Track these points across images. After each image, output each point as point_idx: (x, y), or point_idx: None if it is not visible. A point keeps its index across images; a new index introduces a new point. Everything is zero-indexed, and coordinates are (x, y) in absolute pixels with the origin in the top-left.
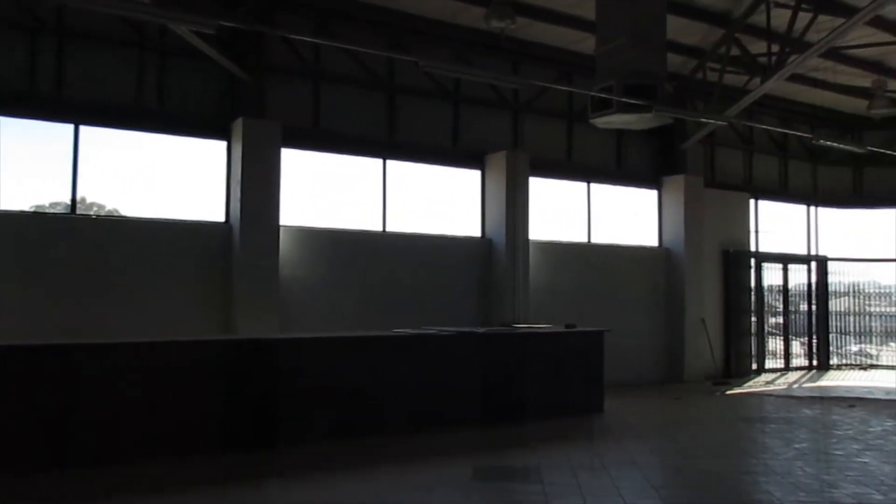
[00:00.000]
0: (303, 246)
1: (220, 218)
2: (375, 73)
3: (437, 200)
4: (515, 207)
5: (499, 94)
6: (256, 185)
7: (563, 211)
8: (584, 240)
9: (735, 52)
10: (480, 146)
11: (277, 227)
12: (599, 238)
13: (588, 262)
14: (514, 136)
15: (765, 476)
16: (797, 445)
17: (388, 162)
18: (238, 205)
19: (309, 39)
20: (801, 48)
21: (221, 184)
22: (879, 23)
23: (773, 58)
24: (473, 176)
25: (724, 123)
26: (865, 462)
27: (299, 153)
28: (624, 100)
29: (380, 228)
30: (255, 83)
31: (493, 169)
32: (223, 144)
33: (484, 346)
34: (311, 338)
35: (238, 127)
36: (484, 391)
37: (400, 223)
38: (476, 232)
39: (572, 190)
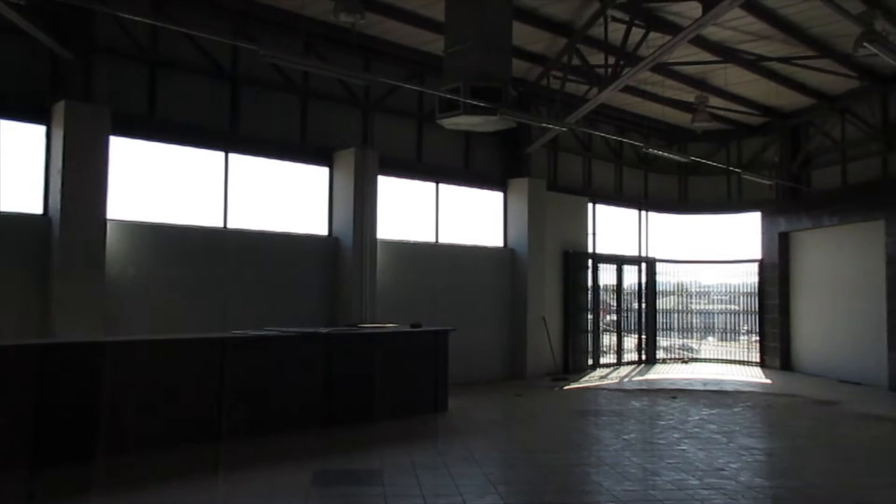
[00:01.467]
0: (134, 242)
1: (38, 210)
2: (218, 62)
3: (283, 197)
4: (364, 206)
5: (349, 91)
6: (80, 175)
7: (412, 211)
8: (433, 240)
9: (576, 61)
10: (329, 143)
11: (104, 220)
12: (447, 238)
13: (436, 261)
14: (363, 134)
15: (595, 467)
16: (626, 436)
17: (231, 155)
18: (58, 196)
19: (144, 21)
20: (634, 62)
21: (40, 172)
22: (703, 43)
23: (610, 69)
24: (321, 173)
25: (566, 129)
26: (684, 450)
27: (133, 142)
28: (470, 101)
29: (221, 224)
30: (81, 64)
31: (342, 166)
32: (42, 129)
33: (328, 347)
34: (135, 341)
35: (60, 110)
36: (328, 393)
37: (243, 220)
38: (323, 230)
39: (421, 190)
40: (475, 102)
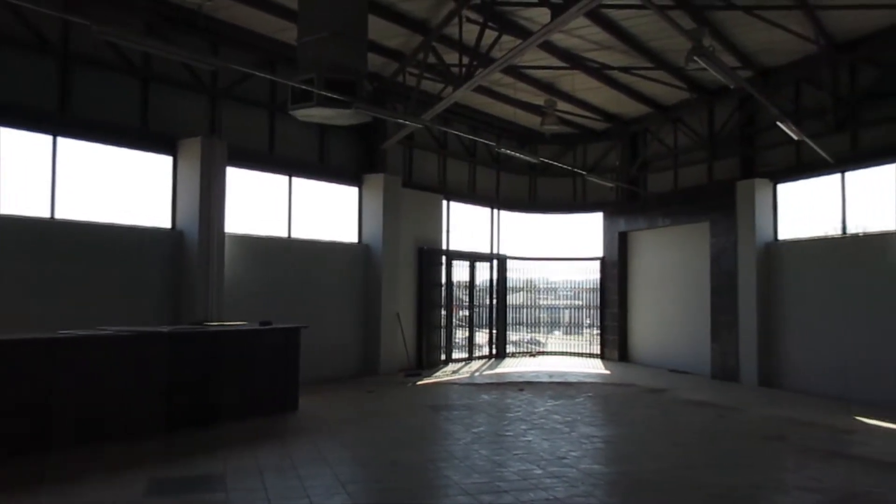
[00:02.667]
0: None
1: None
2: (45, 36)
3: (122, 187)
4: (211, 198)
5: (195, 77)
6: None
7: (263, 204)
8: (285, 234)
9: (432, 59)
10: (173, 130)
11: None
12: (301, 233)
13: (289, 257)
14: (211, 123)
15: (446, 462)
16: (475, 430)
17: (60, 139)
18: None
19: None
20: (487, 63)
21: None
22: (552, 49)
23: (464, 69)
24: (164, 162)
25: (421, 126)
26: (530, 441)
27: None
28: (324, 93)
29: (48, 215)
30: None
31: (187, 156)
32: None
33: (169, 347)
34: None
35: None
36: (170, 396)
37: (75, 210)
38: (167, 223)
39: (274, 183)
40: (329, 95)
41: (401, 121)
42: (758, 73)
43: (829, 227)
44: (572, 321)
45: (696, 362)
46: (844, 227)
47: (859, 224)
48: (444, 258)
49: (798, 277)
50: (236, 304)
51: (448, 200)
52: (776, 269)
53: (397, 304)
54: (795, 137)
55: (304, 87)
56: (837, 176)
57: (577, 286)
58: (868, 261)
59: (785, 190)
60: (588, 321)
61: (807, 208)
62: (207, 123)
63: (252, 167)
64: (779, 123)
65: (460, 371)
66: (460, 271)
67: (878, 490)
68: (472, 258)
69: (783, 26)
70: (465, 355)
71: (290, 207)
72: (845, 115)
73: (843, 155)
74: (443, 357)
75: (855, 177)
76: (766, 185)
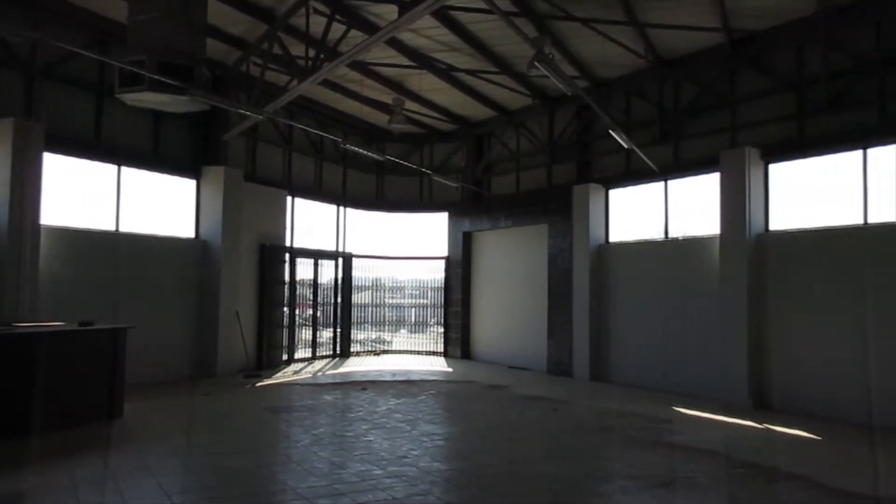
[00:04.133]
0: None
1: None
2: None
3: None
4: (24, 186)
5: (8, 51)
6: None
7: (89, 196)
8: (113, 228)
9: (277, 50)
10: None
11: None
12: (131, 227)
13: (117, 252)
14: (26, 103)
15: (282, 466)
16: (315, 431)
17: None
18: None
19: None
20: (334, 57)
21: None
22: (401, 47)
23: (311, 62)
24: None
25: (264, 118)
26: (371, 440)
27: None
28: (157, 77)
29: None
30: None
31: None
32: None
33: None
34: None
35: None
36: None
37: None
38: None
39: (101, 172)
40: (162, 79)
41: (243, 111)
42: (594, 83)
43: (654, 231)
44: (418, 320)
45: (534, 359)
46: (667, 231)
47: (680, 228)
48: (287, 255)
49: (626, 278)
50: (56, 303)
51: (293, 196)
52: (607, 270)
53: (237, 302)
54: (626, 146)
55: (133, 69)
56: (662, 184)
57: (423, 285)
58: (687, 263)
59: (616, 195)
60: (434, 320)
61: (635, 213)
62: (22, 104)
63: (75, 154)
64: (611, 132)
65: (303, 371)
66: (305, 269)
67: (692, 475)
68: (318, 256)
69: (617, 41)
70: (308, 355)
71: (119, 199)
72: (669, 128)
73: (666, 164)
74: (285, 357)
75: (677, 185)
76: (600, 191)
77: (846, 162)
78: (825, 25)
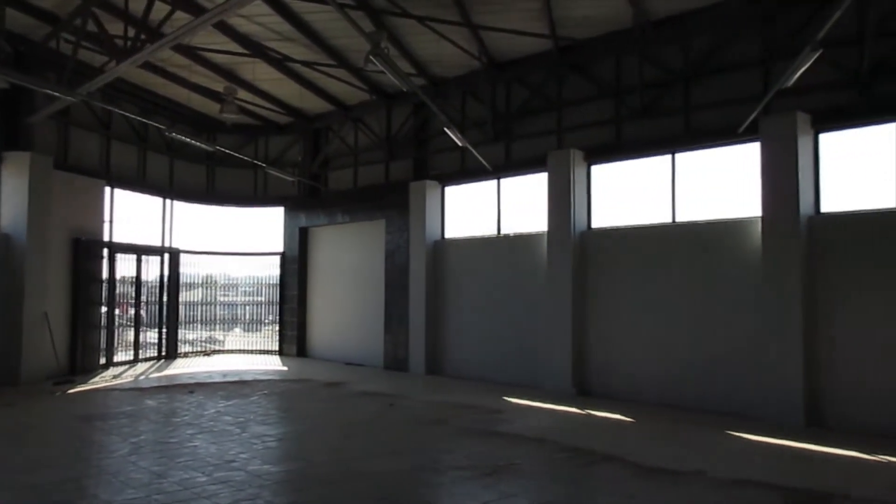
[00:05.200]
0: None
1: None
2: None
3: None
4: None
5: None
6: None
7: None
8: None
9: (92, 27)
10: None
11: None
12: None
13: None
14: None
15: (94, 479)
16: (134, 440)
17: None
18: None
19: None
20: (157, 38)
21: None
22: (232, 33)
23: (130, 42)
24: None
25: (77, 101)
26: (196, 446)
27: None
28: None
29: None
30: None
31: None
32: None
33: None
34: None
35: None
36: None
37: None
38: None
39: None
40: None
41: (51, 92)
42: (431, 82)
43: (487, 228)
44: (253, 318)
45: (371, 355)
46: (500, 228)
47: (512, 225)
48: (105, 251)
49: (461, 273)
50: None
51: (112, 187)
52: (443, 266)
53: (45, 302)
54: (460, 144)
55: None
56: (495, 181)
57: (258, 282)
58: (518, 258)
59: (452, 192)
60: (270, 317)
61: (470, 210)
62: None
63: None
64: (446, 130)
65: (123, 375)
66: (127, 265)
67: (518, 462)
68: (141, 251)
69: (452, 41)
70: (130, 357)
71: None
72: (502, 128)
73: (499, 163)
74: (103, 360)
75: (509, 183)
76: (436, 187)
77: (658, 165)
78: (640, 38)
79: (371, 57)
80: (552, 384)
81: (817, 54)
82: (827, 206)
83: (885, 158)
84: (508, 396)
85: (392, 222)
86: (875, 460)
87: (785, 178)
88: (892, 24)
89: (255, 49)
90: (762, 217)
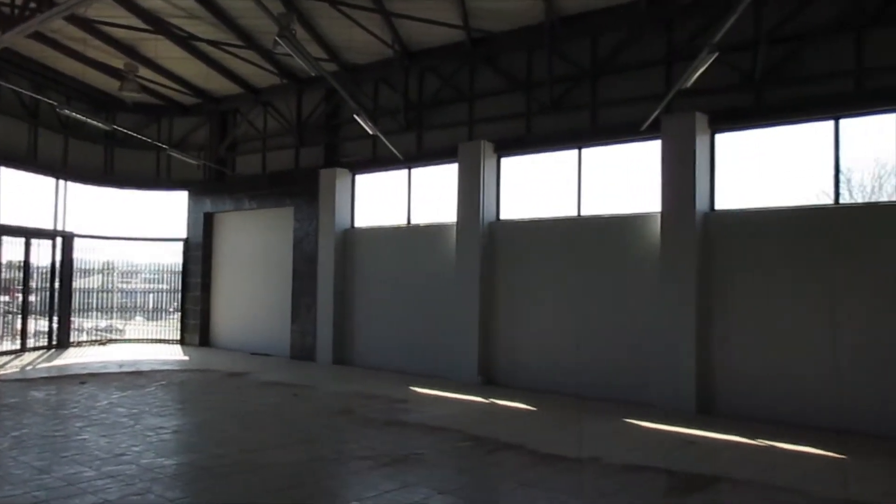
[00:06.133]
0: None
1: None
2: None
3: None
4: None
5: None
6: None
7: None
8: None
9: None
10: None
11: None
12: None
13: None
14: None
15: None
16: (17, 433)
17: None
18: None
19: None
20: (49, 7)
21: None
22: (134, 8)
23: (17, 10)
24: None
25: None
26: (85, 439)
27: None
28: None
29: None
30: None
31: None
32: None
33: None
34: None
35: None
36: None
37: None
38: None
39: None
40: None
41: None
42: (343, 67)
43: (398, 217)
44: (155, 306)
45: (277, 344)
46: (410, 218)
47: (423, 215)
48: None
49: (370, 262)
50: None
51: None
52: (352, 255)
53: None
54: (371, 132)
55: None
56: (406, 171)
57: (160, 269)
58: (428, 248)
59: (363, 180)
60: (173, 306)
61: (381, 199)
62: None
63: None
64: (356, 117)
65: (8, 365)
66: (14, 249)
67: (421, 451)
68: (30, 234)
69: (365, 27)
70: (17, 347)
71: None
72: (414, 117)
73: (411, 153)
74: None
75: (420, 172)
76: (346, 175)
77: (566, 159)
78: (550, 34)
79: (279, 39)
80: (459, 374)
81: (714, 57)
82: (721, 204)
83: (776, 159)
84: (415, 386)
85: (301, 209)
86: (756, 444)
87: (683, 176)
88: (784, 31)
89: (159, 25)
90: (661, 212)
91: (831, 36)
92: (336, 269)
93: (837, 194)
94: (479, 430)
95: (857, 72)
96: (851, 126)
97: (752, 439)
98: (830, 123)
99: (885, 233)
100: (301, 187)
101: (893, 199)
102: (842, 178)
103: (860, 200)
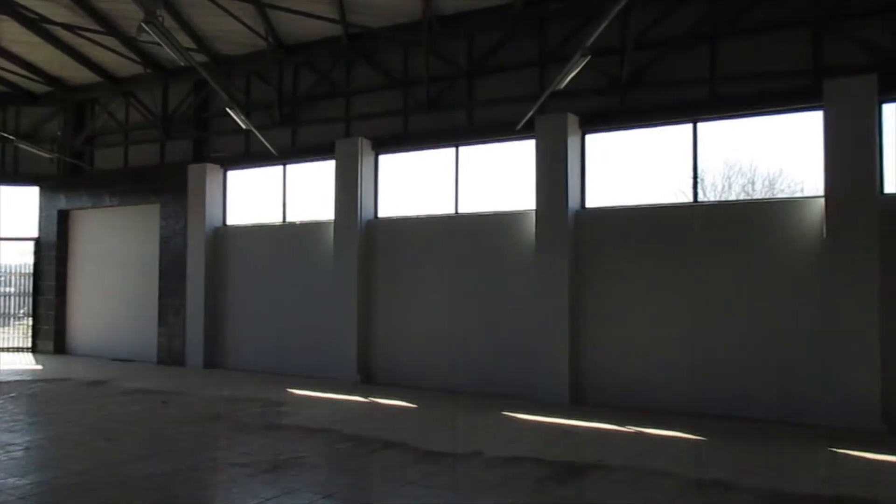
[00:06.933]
0: None
1: None
2: None
3: None
4: None
5: None
6: None
7: None
8: None
9: None
10: None
11: None
12: None
13: None
14: None
15: None
16: None
17: None
18: None
19: None
20: None
21: None
22: None
23: None
24: None
25: None
26: None
27: None
28: None
29: None
30: None
31: None
32: None
33: None
34: None
35: None
36: None
37: None
38: None
39: None
40: None
41: None
42: (213, 58)
43: (273, 215)
44: (1, 311)
45: (142, 349)
46: (285, 215)
47: (299, 212)
48: None
49: (244, 261)
50: None
51: None
52: (225, 253)
53: None
54: (244, 127)
55: None
56: (281, 167)
57: (7, 270)
58: (304, 247)
59: (235, 176)
60: (23, 310)
61: (254, 196)
62: None
63: None
64: (228, 110)
65: None
66: None
67: (301, 455)
68: None
69: (237, 17)
70: None
71: None
72: (289, 112)
73: (286, 149)
74: None
75: (296, 169)
76: (217, 171)
77: (444, 157)
78: (428, 32)
79: (145, 26)
80: (339, 374)
81: (585, 60)
82: (592, 202)
83: (642, 160)
84: (293, 388)
85: (168, 207)
86: (626, 431)
87: (556, 174)
88: (648, 38)
89: (5, 6)
90: (536, 210)
91: (690, 44)
92: (207, 269)
93: (695, 193)
94: (360, 430)
95: (712, 79)
96: (707, 129)
97: (623, 426)
98: (689, 126)
99: (735, 229)
100: (168, 183)
101: (741, 197)
102: (698, 178)
103: (713, 199)
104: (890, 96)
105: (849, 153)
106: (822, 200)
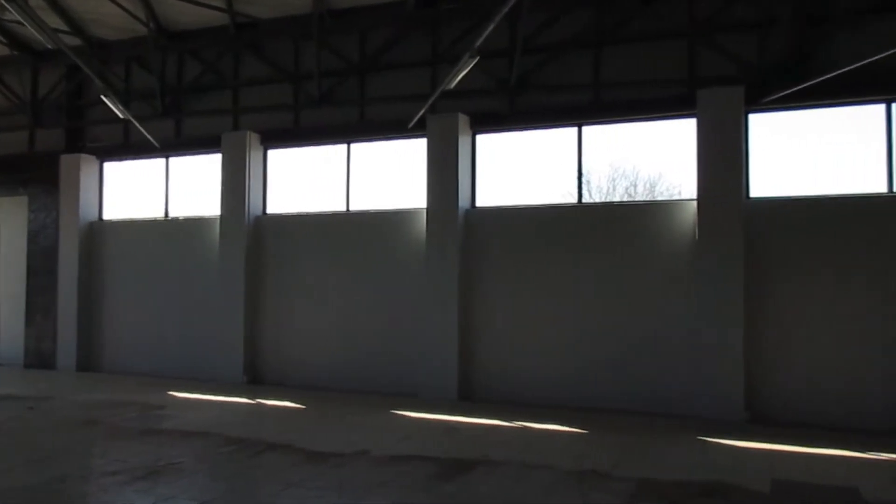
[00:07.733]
0: None
1: None
2: None
3: None
4: None
5: None
6: None
7: None
8: None
9: None
10: None
11: None
12: None
13: None
14: None
15: None
16: None
17: None
18: None
19: None
20: None
21: None
22: None
23: None
24: None
25: None
26: None
27: None
28: None
29: None
30: None
31: None
32: None
33: None
34: None
35: None
36: None
37: None
38: None
39: None
40: None
41: None
42: (88, 43)
43: (154, 210)
44: None
45: (6, 351)
46: (168, 210)
47: (183, 208)
48: None
49: (122, 258)
50: None
51: None
52: (101, 250)
53: None
54: (122, 116)
55: None
56: (164, 160)
57: None
58: (188, 243)
59: (112, 168)
60: None
61: (134, 189)
62: None
63: None
64: (104, 98)
65: None
66: None
67: (180, 460)
68: None
69: (115, 1)
70: None
71: None
72: (173, 103)
73: (169, 140)
74: None
75: (180, 162)
76: (93, 162)
77: (335, 153)
78: (320, 26)
79: (7, 4)
80: (223, 375)
81: (474, 62)
82: (482, 201)
83: (530, 161)
84: (174, 390)
85: (37, 199)
86: (512, 426)
87: (447, 173)
88: (536, 42)
89: None
90: (427, 209)
91: (576, 50)
92: (81, 266)
93: (580, 194)
94: (244, 433)
95: (596, 84)
96: (591, 133)
97: (509, 422)
98: (574, 130)
99: (617, 230)
100: (37, 174)
101: (624, 199)
102: (584, 179)
103: (598, 200)
104: (755, 107)
105: (718, 159)
106: (696, 203)
